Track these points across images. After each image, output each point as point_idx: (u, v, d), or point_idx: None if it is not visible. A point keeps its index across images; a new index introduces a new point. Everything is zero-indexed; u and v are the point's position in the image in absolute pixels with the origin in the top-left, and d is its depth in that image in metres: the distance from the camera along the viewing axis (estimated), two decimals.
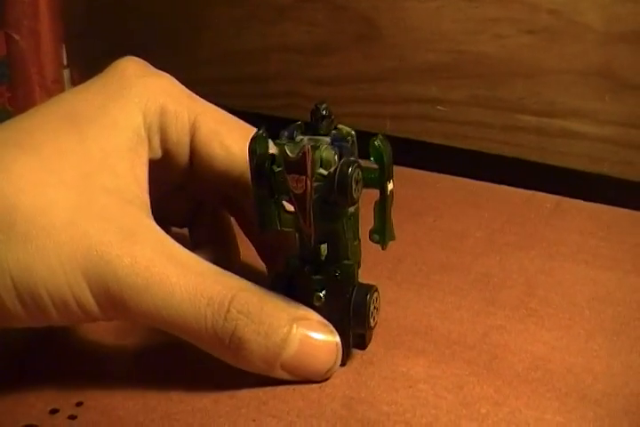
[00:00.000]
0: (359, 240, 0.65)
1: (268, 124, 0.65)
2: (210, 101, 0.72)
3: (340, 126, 0.62)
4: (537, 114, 1.06)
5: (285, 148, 0.60)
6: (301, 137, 0.61)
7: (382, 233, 0.64)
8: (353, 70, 1.18)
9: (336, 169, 0.59)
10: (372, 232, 0.64)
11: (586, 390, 0.63)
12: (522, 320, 0.73)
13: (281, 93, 1.24)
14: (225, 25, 1.27)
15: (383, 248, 0.65)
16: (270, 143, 0.62)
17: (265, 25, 1.24)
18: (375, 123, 1.16)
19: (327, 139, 0.61)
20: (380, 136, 0.61)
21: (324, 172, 0.60)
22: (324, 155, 0.60)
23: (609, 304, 0.75)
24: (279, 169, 0.61)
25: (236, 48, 1.27)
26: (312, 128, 0.61)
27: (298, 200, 0.60)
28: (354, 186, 0.60)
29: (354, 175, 0.59)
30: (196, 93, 0.71)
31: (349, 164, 0.59)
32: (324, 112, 0.61)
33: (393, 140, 0.61)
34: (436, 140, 1.13)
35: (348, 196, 0.60)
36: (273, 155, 0.62)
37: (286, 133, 0.62)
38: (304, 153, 0.59)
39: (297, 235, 0.64)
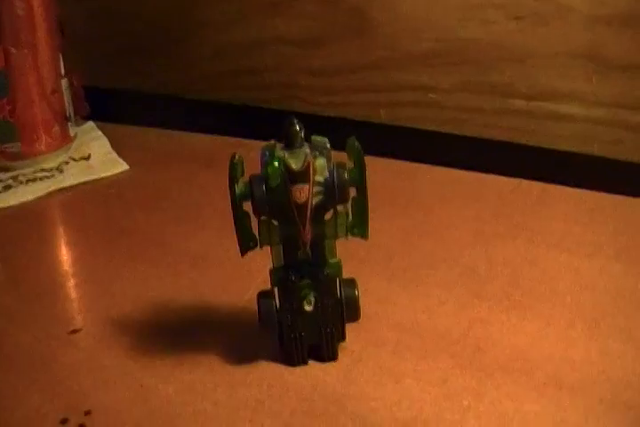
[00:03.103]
0: None
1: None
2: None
3: (312, 137, 0.65)
4: (527, 97, 1.07)
5: (289, 161, 0.63)
6: (281, 154, 0.64)
7: (363, 226, 0.68)
8: (346, 61, 1.20)
9: (332, 173, 0.64)
10: (350, 228, 0.68)
11: (563, 379, 0.66)
12: (505, 312, 0.76)
13: (277, 86, 1.26)
14: (219, 20, 1.28)
15: (365, 239, 0.68)
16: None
17: (259, 19, 1.25)
18: (370, 111, 1.17)
19: (307, 149, 0.64)
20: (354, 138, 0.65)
21: (321, 178, 0.64)
22: (318, 163, 0.64)
23: (590, 292, 0.78)
24: (277, 183, 0.64)
25: (230, 43, 1.28)
26: (288, 143, 0.64)
27: (298, 210, 0.64)
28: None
29: (347, 177, 0.65)
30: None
31: (342, 167, 0.65)
32: (297, 127, 0.64)
33: (387, 130, 0.64)
34: (430, 127, 1.15)
35: (347, 194, 0.65)
36: (262, 175, 0.65)
37: (267, 153, 0.65)
38: (309, 162, 0.62)
39: (280, 247, 0.68)
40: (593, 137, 1.04)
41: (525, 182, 1.00)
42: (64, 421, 0.67)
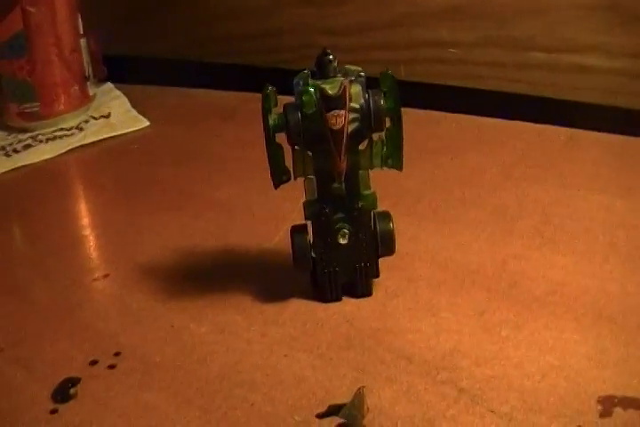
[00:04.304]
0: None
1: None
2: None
3: (346, 66, 0.65)
4: (548, 50, 1.07)
5: (325, 86, 0.62)
6: (316, 82, 0.64)
7: (397, 156, 0.67)
8: (365, 18, 1.19)
9: (368, 100, 0.64)
10: (385, 159, 0.67)
11: (601, 310, 0.66)
12: (539, 248, 0.75)
13: (296, 46, 1.25)
14: None
15: (400, 170, 0.68)
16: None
17: None
18: (390, 68, 1.17)
19: (341, 77, 0.64)
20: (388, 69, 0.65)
21: (356, 105, 0.64)
22: (353, 90, 0.63)
23: (622, 229, 0.77)
24: (312, 110, 0.63)
25: (247, 4, 1.28)
26: (322, 73, 0.64)
27: (334, 136, 0.63)
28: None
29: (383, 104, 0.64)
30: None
31: (378, 94, 0.64)
32: (331, 57, 0.63)
33: (408, 85, 0.64)
34: (451, 82, 1.14)
35: (383, 122, 0.65)
36: (296, 103, 0.64)
37: (301, 82, 0.64)
38: (344, 88, 0.62)
39: (314, 179, 0.67)
40: (615, 88, 1.03)
41: (552, 128, 1.00)
42: (93, 362, 0.66)
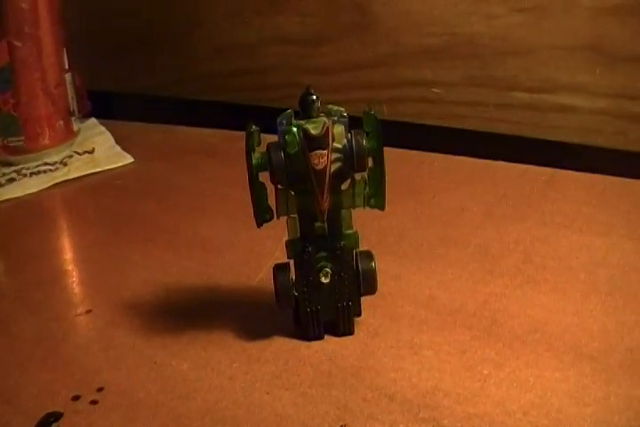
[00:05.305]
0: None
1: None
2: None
3: (329, 106, 0.65)
4: (530, 90, 1.08)
5: (308, 126, 0.63)
6: (299, 121, 0.64)
7: (380, 196, 0.68)
8: (349, 58, 1.20)
9: (351, 140, 0.64)
10: (367, 198, 0.68)
11: (582, 348, 0.66)
12: (520, 286, 0.76)
13: (279, 85, 1.26)
14: (219, 19, 1.29)
15: (382, 210, 0.68)
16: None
17: (259, 18, 1.26)
18: (373, 108, 1.17)
19: (325, 117, 0.64)
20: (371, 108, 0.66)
21: (339, 145, 0.64)
22: (336, 130, 0.64)
23: (603, 268, 0.78)
24: (295, 150, 0.63)
25: (231, 42, 1.29)
26: (305, 112, 0.64)
27: (317, 176, 0.63)
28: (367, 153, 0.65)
29: (366, 144, 0.65)
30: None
31: (361, 134, 0.65)
32: (314, 96, 0.64)
33: (391, 125, 0.64)
34: (432, 122, 1.15)
35: (366, 163, 0.65)
36: (280, 142, 0.64)
37: (284, 121, 0.64)
38: (327, 128, 0.62)
39: (296, 218, 0.67)
40: (597, 128, 1.05)
41: (534, 168, 1.01)
42: (76, 398, 0.66)
